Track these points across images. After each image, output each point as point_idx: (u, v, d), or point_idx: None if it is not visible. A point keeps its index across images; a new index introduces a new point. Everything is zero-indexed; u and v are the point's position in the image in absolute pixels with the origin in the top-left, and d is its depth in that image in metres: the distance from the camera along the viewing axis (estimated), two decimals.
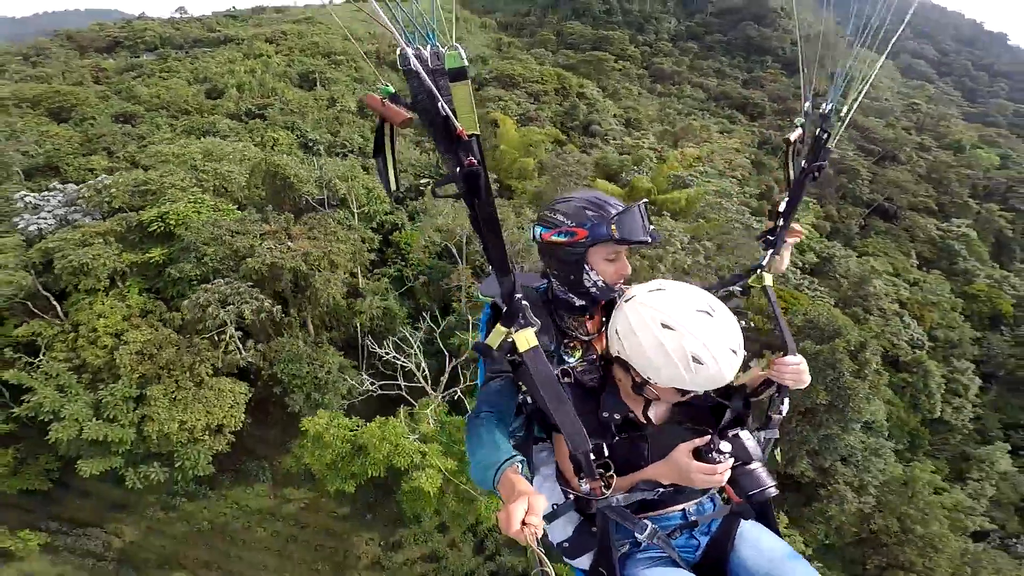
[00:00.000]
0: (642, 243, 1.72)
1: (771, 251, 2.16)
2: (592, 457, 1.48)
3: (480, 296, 2.11)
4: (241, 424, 14.74)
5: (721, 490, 1.78)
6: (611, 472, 1.54)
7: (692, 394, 1.58)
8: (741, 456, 1.54)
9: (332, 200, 21.96)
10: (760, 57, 51.64)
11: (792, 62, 50.64)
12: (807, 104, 2.07)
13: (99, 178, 17.48)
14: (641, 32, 56.57)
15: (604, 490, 1.54)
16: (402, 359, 13.80)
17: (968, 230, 37.94)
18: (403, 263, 21.09)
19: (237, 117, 28.33)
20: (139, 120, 24.89)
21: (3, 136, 20.68)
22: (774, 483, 1.55)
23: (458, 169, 1.19)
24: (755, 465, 1.55)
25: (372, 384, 13.96)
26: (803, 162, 2.05)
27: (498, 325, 1.53)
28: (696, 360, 1.47)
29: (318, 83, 37.66)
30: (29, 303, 14.74)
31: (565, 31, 53.74)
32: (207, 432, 14.02)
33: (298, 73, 38.34)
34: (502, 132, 26.89)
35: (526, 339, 1.49)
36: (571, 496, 1.71)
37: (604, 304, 1.86)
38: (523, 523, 1.14)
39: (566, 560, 1.80)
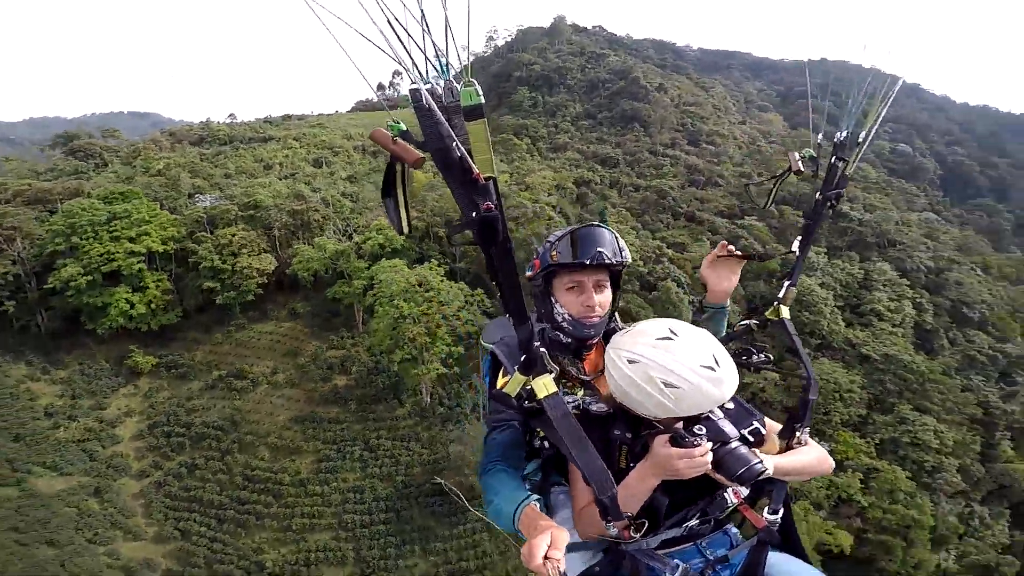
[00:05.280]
0: (578, 265, 1.97)
1: (788, 283, 2.40)
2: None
3: (482, 343, 2.34)
4: (271, 272, 42.14)
5: (740, 523, 2.08)
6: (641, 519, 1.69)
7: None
8: (718, 437, 1.70)
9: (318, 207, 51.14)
10: (630, 125, 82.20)
11: (649, 124, 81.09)
12: (819, 136, 2.35)
13: (226, 192, 47.76)
14: (553, 117, 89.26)
15: (633, 533, 1.69)
16: None
17: (756, 223, 63.34)
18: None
19: (280, 178, 59.38)
20: (232, 178, 56.09)
21: (174, 181, 51.46)
22: (760, 459, 1.70)
23: (474, 214, 1.27)
24: (735, 444, 1.70)
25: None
26: (818, 194, 2.26)
27: (516, 374, 1.70)
28: (669, 385, 1.67)
29: (324, 164, 69.54)
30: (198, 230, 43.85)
31: (494, 122, 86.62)
32: (256, 272, 41.24)
33: (313, 158, 70.48)
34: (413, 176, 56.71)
35: (544, 385, 1.64)
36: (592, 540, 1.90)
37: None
38: (545, 557, 1.29)
39: None
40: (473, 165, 1.21)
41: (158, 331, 41.21)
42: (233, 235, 41.88)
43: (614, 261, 2.00)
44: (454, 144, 1.18)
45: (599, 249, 1.96)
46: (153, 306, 40.16)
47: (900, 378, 49.89)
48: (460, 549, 32.58)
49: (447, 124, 1.18)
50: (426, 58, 1.15)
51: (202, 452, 36.13)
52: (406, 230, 1.48)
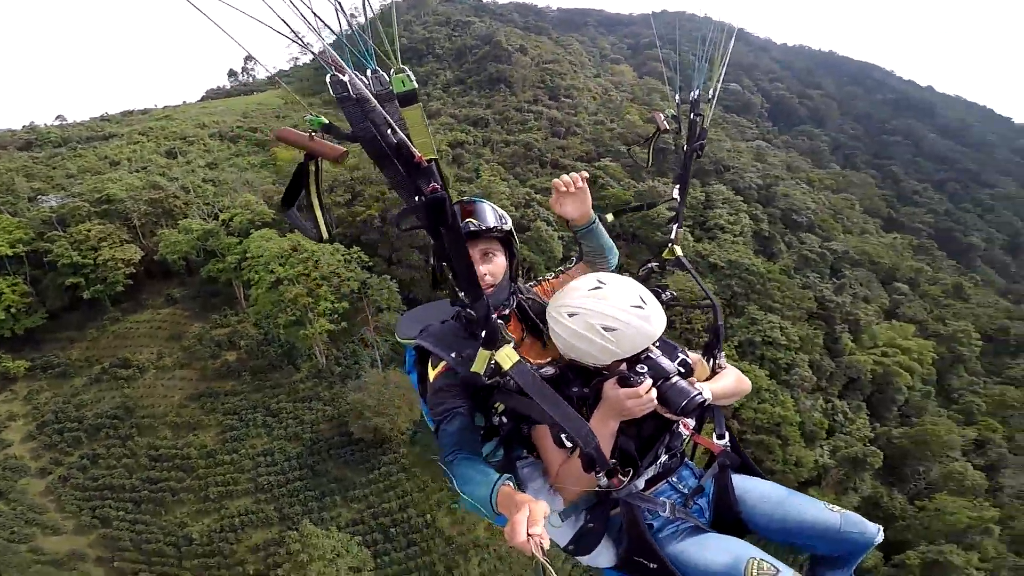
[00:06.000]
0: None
1: (675, 225, 2.78)
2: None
3: (400, 340, 2.41)
4: (137, 261, 42.58)
5: (692, 454, 2.36)
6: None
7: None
8: (659, 373, 1.92)
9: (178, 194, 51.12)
10: (497, 86, 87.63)
11: (513, 84, 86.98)
12: (676, 96, 2.77)
13: (71, 191, 46.38)
14: (424, 86, 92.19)
15: (622, 479, 1.88)
16: None
17: (610, 163, 71.81)
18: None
19: (131, 172, 57.54)
20: (76, 177, 53.65)
21: (8, 185, 48.73)
22: (699, 391, 1.92)
23: (418, 198, 1.29)
24: (675, 379, 1.93)
25: None
26: (685, 145, 2.65)
27: (481, 350, 1.80)
28: (607, 328, 1.89)
29: (178, 154, 67.56)
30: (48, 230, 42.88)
31: None
32: (122, 263, 41.64)
33: (165, 149, 68.09)
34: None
35: (508, 356, 1.75)
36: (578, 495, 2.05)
37: (521, 315, 2.26)
38: (528, 534, 1.34)
39: (580, 560, 2.14)
40: (414, 149, 1.24)
41: (24, 335, 40.71)
42: (89, 230, 41.56)
43: (482, 228, 2.12)
44: (390, 131, 1.22)
45: (468, 220, 2.08)
46: (13, 311, 39.50)
47: (744, 280, 58.43)
48: (380, 492, 35.53)
49: (383, 111, 1.22)
50: (348, 48, 1.21)
51: (101, 442, 36.97)
52: (326, 235, 1.49)
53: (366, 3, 1.09)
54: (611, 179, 69.49)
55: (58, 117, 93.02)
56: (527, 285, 2.51)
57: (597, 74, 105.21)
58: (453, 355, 2.08)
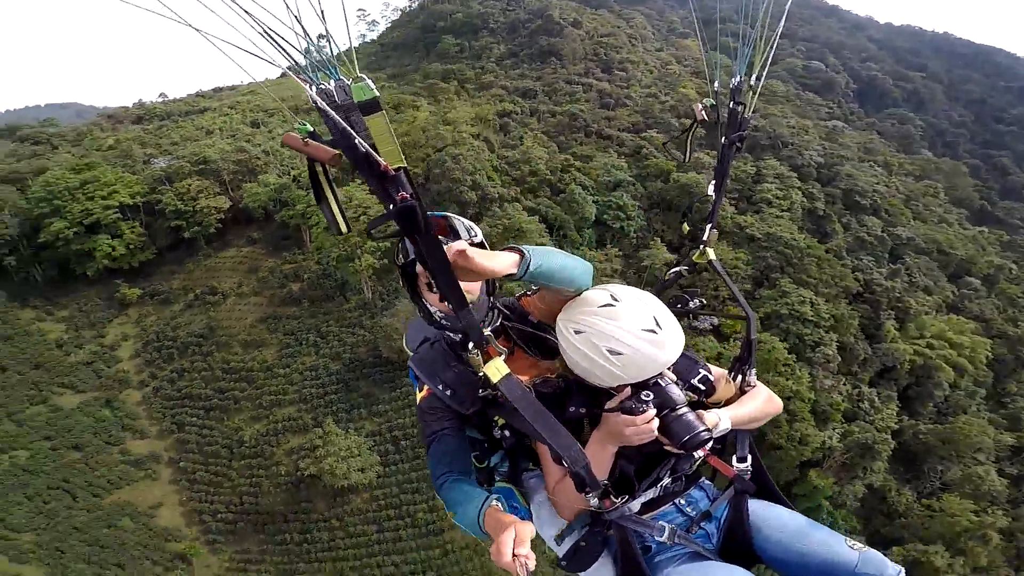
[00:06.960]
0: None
1: (709, 225, 2.66)
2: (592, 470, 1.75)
3: (405, 348, 2.46)
4: (226, 209, 53.80)
5: (713, 476, 2.30)
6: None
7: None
8: (666, 403, 1.87)
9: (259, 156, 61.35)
10: (549, 59, 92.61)
11: (563, 57, 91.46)
12: (715, 83, 2.66)
13: (176, 155, 58.16)
14: (479, 60, 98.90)
15: (614, 500, 1.89)
16: None
17: (657, 135, 74.99)
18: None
19: (223, 139, 69.29)
20: (179, 144, 65.95)
21: (127, 152, 61.17)
22: (706, 427, 1.88)
23: (391, 206, 1.34)
24: (683, 410, 1.88)
25: None
26: (723, 138, 2.52)
27: (470, 360, 1.80)
28: (613, 352, 1.85)
29: (261, 124, 79.04)
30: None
31: (426, 71, 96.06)
32: (214, 210, 52.74)
33: (250, 120, 79.85)
34: None
35: (497, 369, 1.75)
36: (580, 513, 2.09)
37: (509, 334, 2.25)
38: (514, 554, 1.41)
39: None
40: (379, 158, 1.28)
41: (138, 268, 52.07)
42: (190, 185, 52.56)
43: (447, 241, 1.94)
44: (356, 140, 1.27)
45: (439, 236, 1.90)
46: (131, 247, 51.03)
47: (781, 254, 58.52)
48: (398, 409, 41.44)
49: (343, 121, 1.26)
50: (309, 61, 1.26)
51: (188, 358, 46.64)
52: (344, 230, 1.57)
53: (323, 14, 1.21)
54: (654, 149, 72.88)
55: (161, 94, 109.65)
56: (512, 299, 2.53)
57: (660, 48, 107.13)
58: (440, 386, 2.15)
